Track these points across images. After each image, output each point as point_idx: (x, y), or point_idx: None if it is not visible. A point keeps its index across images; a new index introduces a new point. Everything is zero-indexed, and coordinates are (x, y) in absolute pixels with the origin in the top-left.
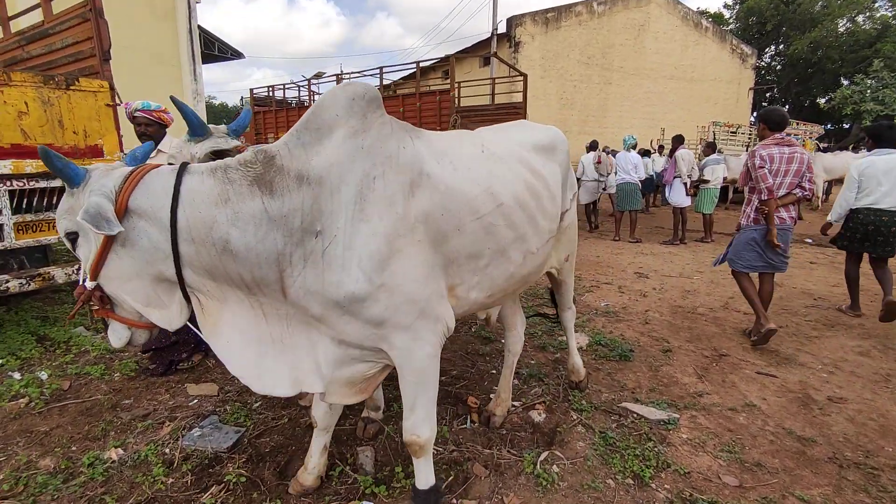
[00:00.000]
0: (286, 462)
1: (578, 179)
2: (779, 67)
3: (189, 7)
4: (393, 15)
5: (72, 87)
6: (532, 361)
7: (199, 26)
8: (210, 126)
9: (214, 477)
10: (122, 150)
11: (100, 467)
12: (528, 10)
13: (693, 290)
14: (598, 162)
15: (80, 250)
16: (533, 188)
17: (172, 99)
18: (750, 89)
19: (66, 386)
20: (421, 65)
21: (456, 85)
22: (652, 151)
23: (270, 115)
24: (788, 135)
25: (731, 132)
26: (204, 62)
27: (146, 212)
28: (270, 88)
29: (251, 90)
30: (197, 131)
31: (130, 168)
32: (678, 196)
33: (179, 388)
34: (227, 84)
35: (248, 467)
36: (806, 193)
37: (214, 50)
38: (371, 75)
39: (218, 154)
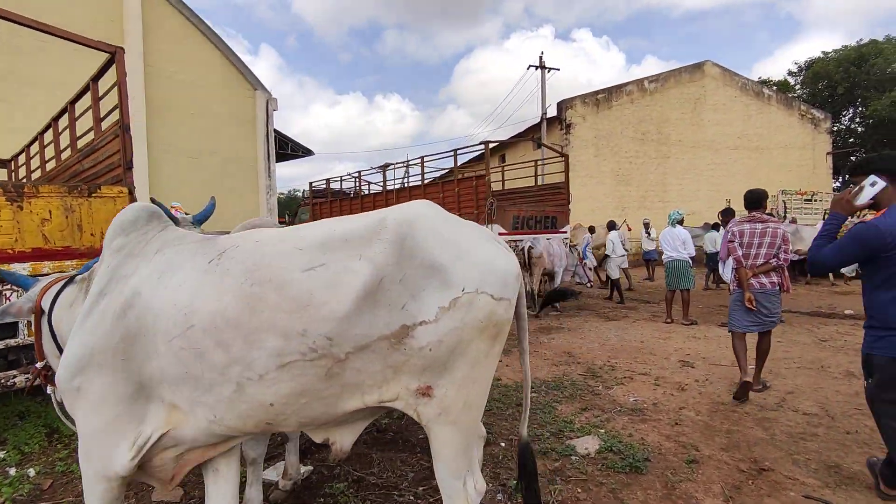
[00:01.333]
0: None
1: (607, 257)
2: (860, 129)
3: (267, 114)
4: (462, 106)
5: (94, 195)
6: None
7: (274, 130)
8: (179, 216)
9: None
10: None
11: None
12: (578, 93)
13: None
14: (630, 229)
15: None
16: (257, 301)
17: (151, 199)
18: (828, 154)
19: (46, 485)
20: (459, 153)
21: (500, 168)
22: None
23: (326, 205)
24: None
25: (806, 199)
26: (279, 161)
27: (46, 309)
28: (327, 181)
29: (310, 183)
30: None
31: (50, 279)
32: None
33: (148, 490)
34: (313, 176)
35: None
36: (781, 263)
37: (288, 150)
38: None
39: None
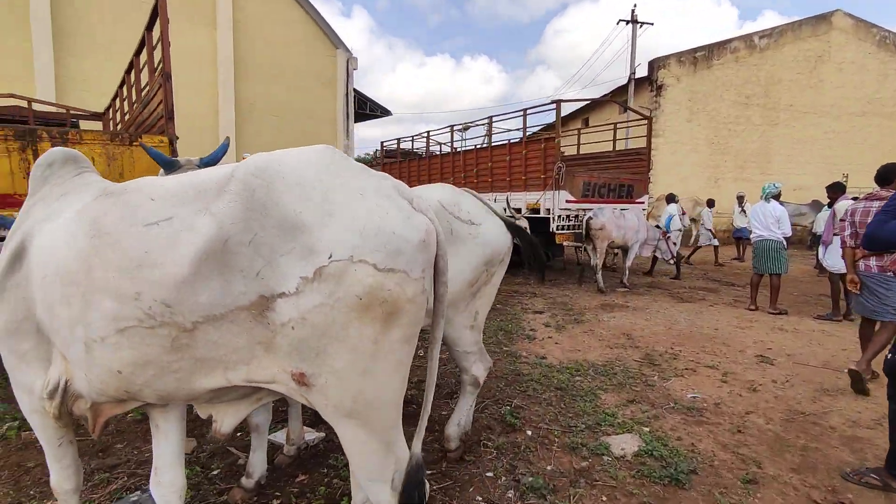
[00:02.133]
0: None
1: (666, 232)
2: None
3: (347, 74)
4: (551, 67)
5: (134, 144)
6: (549, 467)
7: (354, 90)
8: (183, 159)
9: None
10: None
11: None
12: (673, 51)
13: (835, 390)
14: (683, 213)
15: None
16: (93, 256)
17: (140, 145)
18: None
19: None
20: (531, 113)
21: (576, 131)
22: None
23: (395, 166)
24: None
25: None
26: (358, 121)
27: None
28: (398, 141)
29: (381, 143)
30: (166, 167)
31: None
32: (836, 258)
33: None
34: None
35: None
36: None
37: (367, 109)
38: (506, 119)
39: None
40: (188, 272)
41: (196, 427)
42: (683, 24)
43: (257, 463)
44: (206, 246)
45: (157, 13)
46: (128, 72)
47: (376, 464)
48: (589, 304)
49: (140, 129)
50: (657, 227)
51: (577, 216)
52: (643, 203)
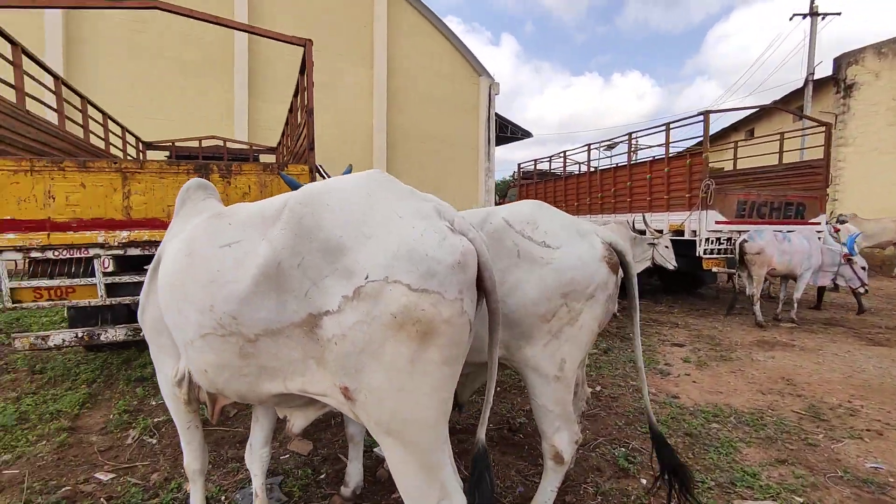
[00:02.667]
0: None
1: (850, 255)
2: None
3: (489, 100)
4: (713, 77)
5: (282, 172)
6: (608, 486)
7: (496, 114)
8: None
9: None
10: None
11: (168, 497)
12: (866, 44)
13: None
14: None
15: None
16: (185, 271)
17: (279, 174)
18: None
19: (232, 413)
20: (675, 126)
21: (732, 143)
22: None
23: (532, 187)
24: None
25: None
26: (499, 144)
27: None
28: (535, 162)
29: (518, 165)
30: None
31: None
32: None
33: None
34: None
35: None
36: None
37: (507, 132)
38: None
39: None
40: (248, 290)
41: (315, 431)
42: (875, 13)
43: (354, 473)
44: (261, 268)
45: (304, 61)
46: (290, 111)
47: (418, 488)
48: (742, 339)
49: (294, 158)
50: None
51: (729, 239)
52: (818, 224)
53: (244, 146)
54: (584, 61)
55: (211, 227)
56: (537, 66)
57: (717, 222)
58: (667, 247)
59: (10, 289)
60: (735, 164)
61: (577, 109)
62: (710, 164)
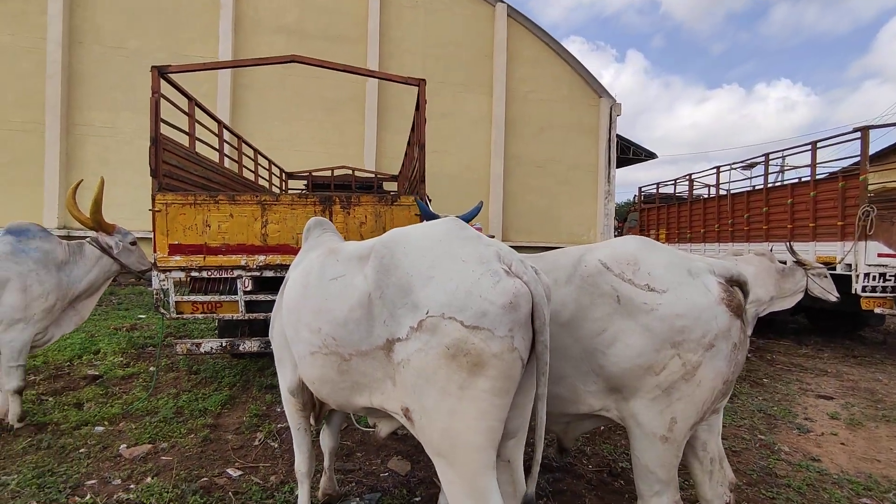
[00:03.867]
0: None
1: None
2: None
3: (610, 120)
4: (888, 80)
5: (394, 204)
6: None
7: (617, 135)
8: (444, 216)
9: None
10: None
11: (282, 498)
12: None
13: None
14: None
15: None
16: (301, 298)
17: (416, 202)
18: None
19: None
20: (822, 146)
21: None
22: None
23: (654, 212)
24: None
25: None
26: (622, 165)
27: None
28: (657, 185)
29: (639, 188)
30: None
31: None
32: None
33: (395, 455)
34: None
35: None
36: None
37: (630, 154)
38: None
39: None
40: (346, 316)
41: (415, 452)
42: None
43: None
44: (356, 298)
45: (419, 99)
46: (408, 143)
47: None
48: None
49: (410, 187)
50: None
51: None
52: None
53: (370, 174)
54: (722, 73)
55: (324, 262)
56: (667, 81)
57: (880, 255)
58: (826, 276)
59: (175, 302)
60: None
61: (711, 127)
62: (872, 187)
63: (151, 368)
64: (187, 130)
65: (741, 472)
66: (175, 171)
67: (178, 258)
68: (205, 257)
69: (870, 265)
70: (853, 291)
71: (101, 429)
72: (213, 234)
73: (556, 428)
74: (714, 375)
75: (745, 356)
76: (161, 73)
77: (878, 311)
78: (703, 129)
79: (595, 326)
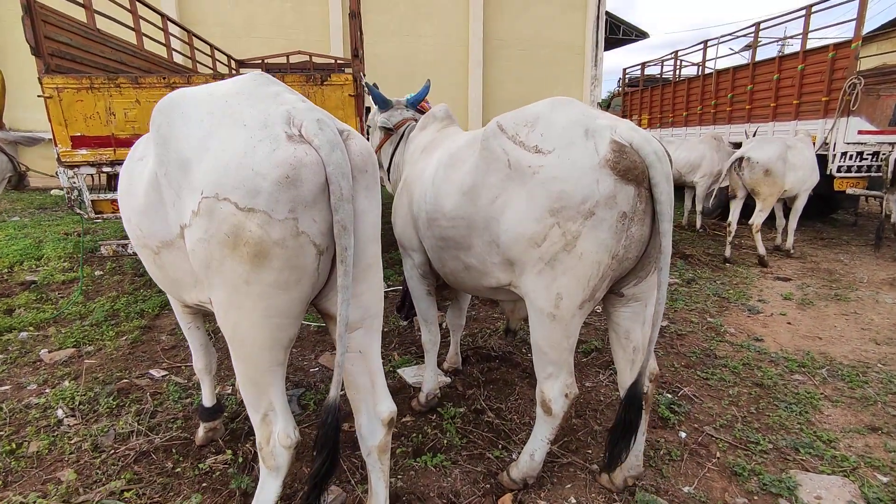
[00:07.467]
0: None
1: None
2: None
3: None
4: None
5: (325, 83)
6: (686, 489)
7: (606, 13)
8: (395, 100)
9: None
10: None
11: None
12: None
13: None
14: None
15: None
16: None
17: (365, 84)
18: None
19: None
20: (816, 11)
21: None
22: None
23: (637, 95)
24: None
25: None
26: (613, 47)
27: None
28: (642, 66)
29: (623, 70)
30: (380, 106)
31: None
32: None
33: (329, 350)
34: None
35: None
36: None
37: (619, 34)
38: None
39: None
40: (141, 203)
41: None
42: None
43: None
44: (146, 180)
45: None
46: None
47: (249, 399)
48: (871, 276)
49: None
50: None
51: (876, 153)
52: None
53: (329, 59)
54: None
55: (143, 140)
56: None
57: (860, 132)
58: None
59: (92, 201)
60: None
61: (713, 1)
62: (870, 62)
63: (98, 272)
64: (82, 2)
65: (681, 354)
66: (70, 50)
67: (84, 152)
68: (115, 150)
69: (848, 143)
70: (827, 172)
71: (25, 334)
72: (120, 124)
73: (507, 306)
74: (596, 248)
75: (651, 230)
76: None
77: (850, 191)
78: (704, 5)
79: (490, 193)
